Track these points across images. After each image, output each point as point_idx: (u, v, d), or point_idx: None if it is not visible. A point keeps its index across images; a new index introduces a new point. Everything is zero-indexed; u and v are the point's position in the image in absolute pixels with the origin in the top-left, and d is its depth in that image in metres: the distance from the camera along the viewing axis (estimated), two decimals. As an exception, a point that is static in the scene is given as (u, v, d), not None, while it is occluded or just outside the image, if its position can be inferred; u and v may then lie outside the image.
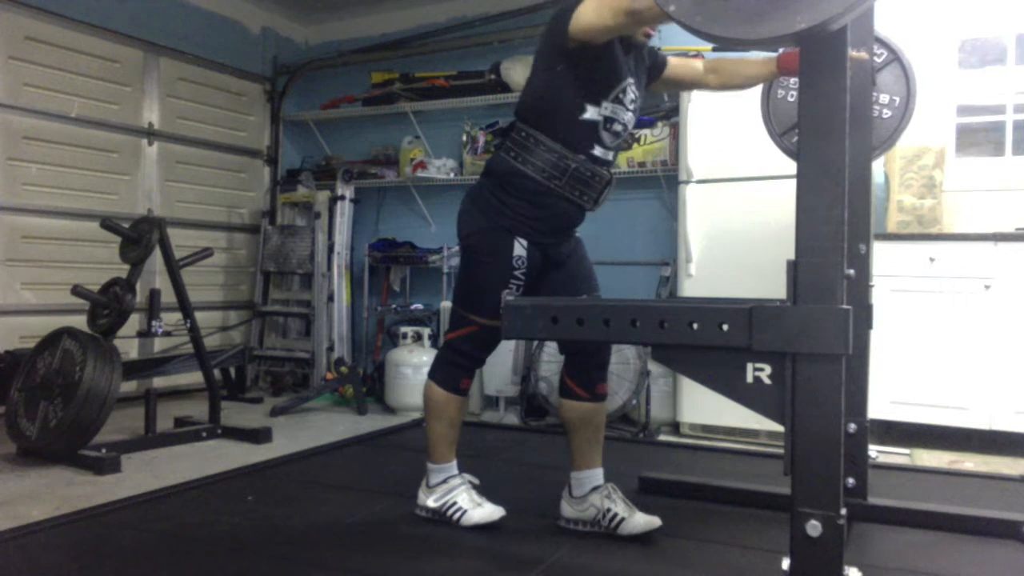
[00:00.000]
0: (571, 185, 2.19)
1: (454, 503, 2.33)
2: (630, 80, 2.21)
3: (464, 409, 2.40)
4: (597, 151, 2.20)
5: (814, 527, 1.39)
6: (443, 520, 2.34)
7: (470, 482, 2.41)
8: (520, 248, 2.20)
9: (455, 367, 2.34)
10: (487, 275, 2.23)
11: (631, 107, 2.24)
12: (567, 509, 2.34)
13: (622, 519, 2.24)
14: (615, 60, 2.15)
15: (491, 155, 2.33)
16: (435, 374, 2.37)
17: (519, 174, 2.19)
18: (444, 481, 2.37)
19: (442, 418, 2.35)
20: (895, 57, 2.52)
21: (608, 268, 4.44)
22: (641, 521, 2.23)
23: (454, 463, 2.39)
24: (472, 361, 2.36)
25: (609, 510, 2.26)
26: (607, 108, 2.17)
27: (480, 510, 2.31)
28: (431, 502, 2.36)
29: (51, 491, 2.72)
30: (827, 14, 1.23)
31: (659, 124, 4.27)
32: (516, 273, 2.21)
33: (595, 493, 2.30)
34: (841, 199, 1.40)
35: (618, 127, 2.22)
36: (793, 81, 2.57)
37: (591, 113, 2.16)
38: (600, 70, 2.14)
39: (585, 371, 2.31)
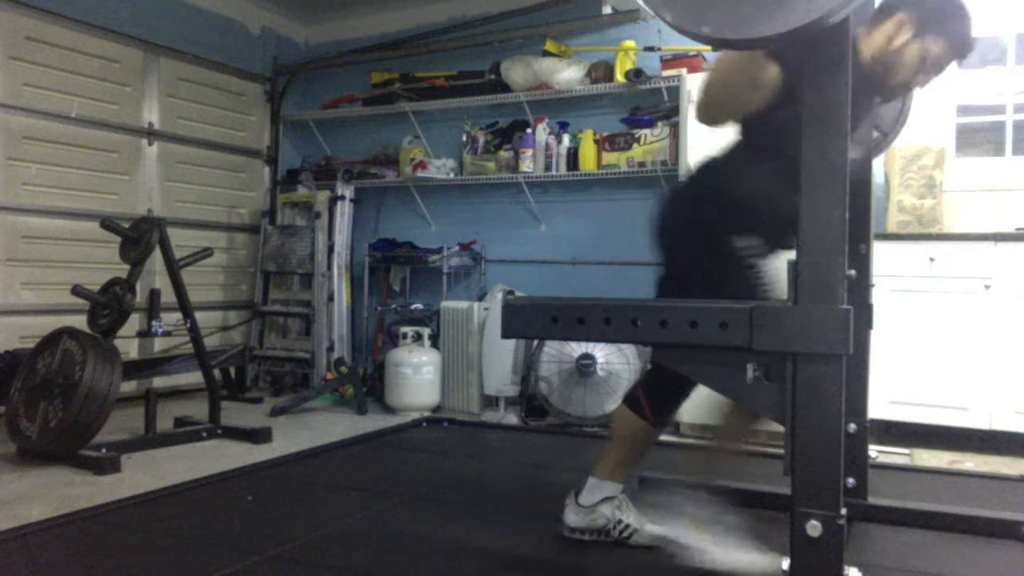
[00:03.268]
0: None
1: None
2: None
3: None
4: None
5: (814, 527, 1.39)
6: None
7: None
8: None
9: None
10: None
11: None
12: (572, 518, 2.23)
13: (634, 530, 2.19)
14: None
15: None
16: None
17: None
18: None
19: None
20: (895, 57, 2.51)
21: (608, 268, 4.44)
22: (654, 532, 2.19)
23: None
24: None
25: (621, 521, 2.20)
26: None
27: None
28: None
29: (51, 491, 2.72)
30: (823, 9, 1.23)
31: (659, 124, 4.26)
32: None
33: (606, 503, 2.20)
34: (842, 199, 1.40)
35: None
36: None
37: None
38: None
39: (663, 396, 2.16)
